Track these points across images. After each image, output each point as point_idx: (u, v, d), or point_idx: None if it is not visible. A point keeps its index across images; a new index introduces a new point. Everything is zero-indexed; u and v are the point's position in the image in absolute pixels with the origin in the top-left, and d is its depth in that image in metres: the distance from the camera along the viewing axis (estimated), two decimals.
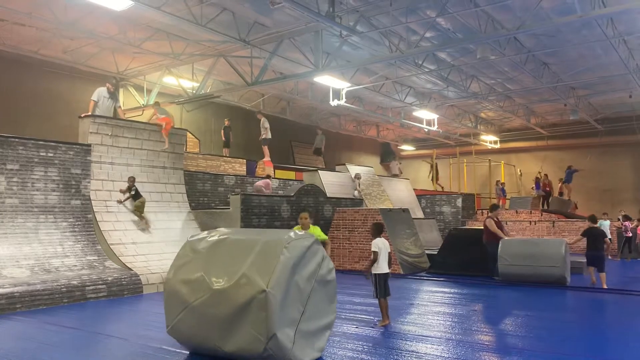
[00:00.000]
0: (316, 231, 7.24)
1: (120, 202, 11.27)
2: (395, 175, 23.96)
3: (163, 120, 12.50)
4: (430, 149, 29.35)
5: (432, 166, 26.25)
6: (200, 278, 5.28)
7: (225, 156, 17.71)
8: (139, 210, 11.32)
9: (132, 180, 11.37)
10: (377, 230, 7.26)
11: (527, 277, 10.72)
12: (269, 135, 17.65)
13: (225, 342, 5.07)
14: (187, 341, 5.57)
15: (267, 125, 17.62)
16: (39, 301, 8.30)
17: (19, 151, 9.88)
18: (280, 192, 15.89)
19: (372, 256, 6.98)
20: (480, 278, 11.45)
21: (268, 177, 15.67)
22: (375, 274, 6.96)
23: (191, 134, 18.48)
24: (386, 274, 6.96)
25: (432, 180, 25.92)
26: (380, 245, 6.96)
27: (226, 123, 19.11)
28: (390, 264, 7.09)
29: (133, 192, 11.30)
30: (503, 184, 26.32)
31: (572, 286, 10.60)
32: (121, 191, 11.34)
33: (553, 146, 28.56)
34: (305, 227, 7.30)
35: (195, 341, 5.44)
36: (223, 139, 19.31)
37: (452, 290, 10.28)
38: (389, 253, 7.07)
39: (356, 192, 18.17)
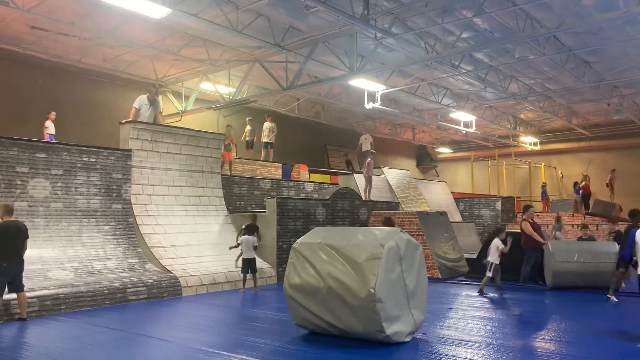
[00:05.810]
0: None
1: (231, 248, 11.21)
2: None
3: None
4: (468, 151, 28.90)
5: None
6: (321, 242, 6.60)
7: (256, 159, 17.81)
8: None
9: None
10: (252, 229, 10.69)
11: (583, 277, 10.36)
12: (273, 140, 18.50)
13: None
14: (303, 287, 6.46)
15: (276, 130, 18.39)
16: (83, 302, 8.52)
17: (63, 157, 10.20)
18: (316, 196, 15.91)
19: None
20: (521, 282, 11.16)
21: (371, 153, 17.69)
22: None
23: None
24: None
25: None
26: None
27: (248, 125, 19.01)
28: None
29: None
30: (544, 184, 25.72)
31: (623, 292, 10.16)
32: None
33: (596, 147, 27.62)
34: None
35: (310, 289, 6.39)
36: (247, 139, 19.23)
37: (492, 295, 10.06)
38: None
39: None
